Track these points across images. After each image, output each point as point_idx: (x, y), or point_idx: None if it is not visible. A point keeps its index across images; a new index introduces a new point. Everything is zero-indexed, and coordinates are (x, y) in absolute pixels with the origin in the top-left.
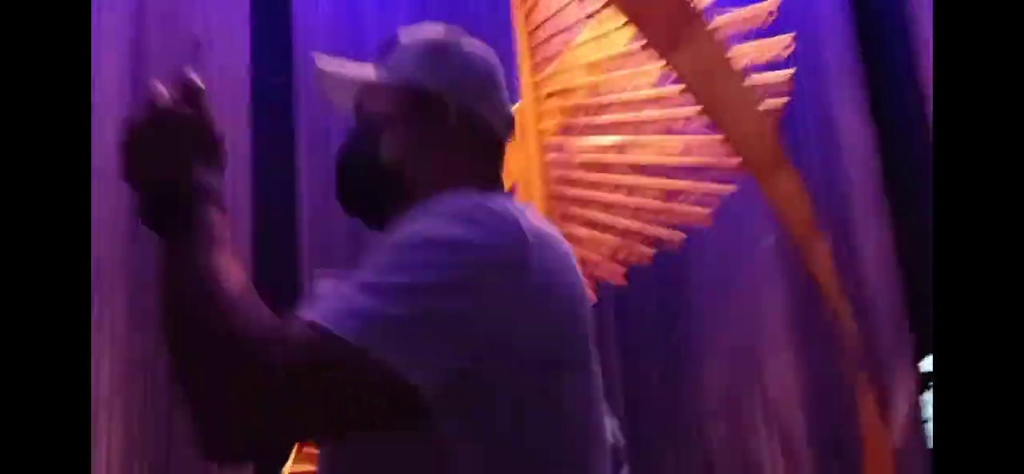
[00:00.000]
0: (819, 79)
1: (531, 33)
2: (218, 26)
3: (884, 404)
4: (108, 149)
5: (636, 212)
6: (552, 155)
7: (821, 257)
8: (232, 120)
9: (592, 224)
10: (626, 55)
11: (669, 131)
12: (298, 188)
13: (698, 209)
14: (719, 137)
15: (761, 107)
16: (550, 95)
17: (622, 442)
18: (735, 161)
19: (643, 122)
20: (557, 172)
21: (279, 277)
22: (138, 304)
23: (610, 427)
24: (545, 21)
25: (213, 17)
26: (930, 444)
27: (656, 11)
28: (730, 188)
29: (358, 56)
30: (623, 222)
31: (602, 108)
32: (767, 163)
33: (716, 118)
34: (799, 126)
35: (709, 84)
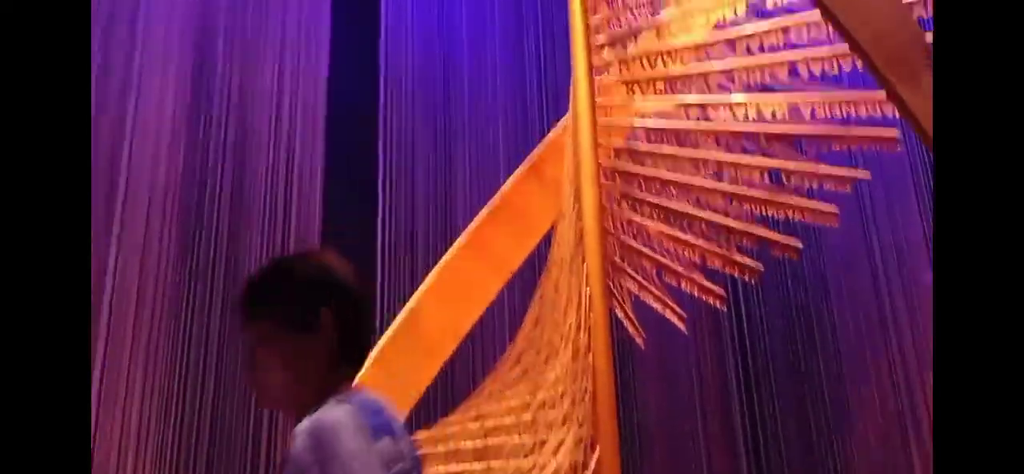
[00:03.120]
0: None
1: None
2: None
3: None
4: None
5: (729, 202)
6: (608, 119)
7: None
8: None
9: (666, 215)
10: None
11: (766, 87)
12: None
13: (818, 206)
14: (833, 96)
15: None
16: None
17: None
18: (864, 133)
19: (730, 72)
20: (615, 142)
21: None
22: None
23: None
24: None
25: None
26: None
27: None
28: (863, 174)
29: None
30: (712, 215)
31: (671, 54)
32: (907, 67)
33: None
34: None
35: None
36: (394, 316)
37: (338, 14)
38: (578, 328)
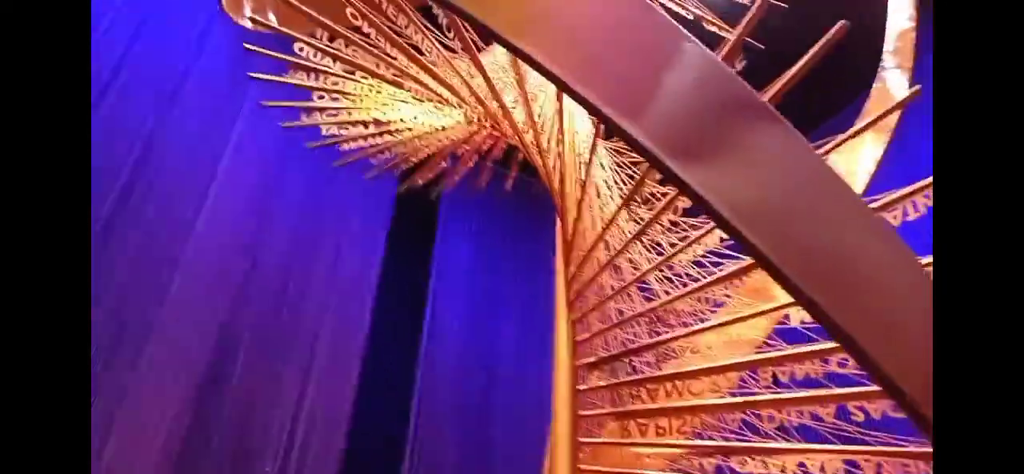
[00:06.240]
0: None
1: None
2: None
3: None
4: None
5: None
6: (595, 467)
7: None
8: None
9: None
10: None
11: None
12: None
13: None
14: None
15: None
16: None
17: None
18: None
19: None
20: None
21: None
22: None
23: None
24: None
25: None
26: None
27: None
28: None
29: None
30: None
31: (676, 381)
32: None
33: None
34: None
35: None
36: None
37: (375, 336)
38: None
